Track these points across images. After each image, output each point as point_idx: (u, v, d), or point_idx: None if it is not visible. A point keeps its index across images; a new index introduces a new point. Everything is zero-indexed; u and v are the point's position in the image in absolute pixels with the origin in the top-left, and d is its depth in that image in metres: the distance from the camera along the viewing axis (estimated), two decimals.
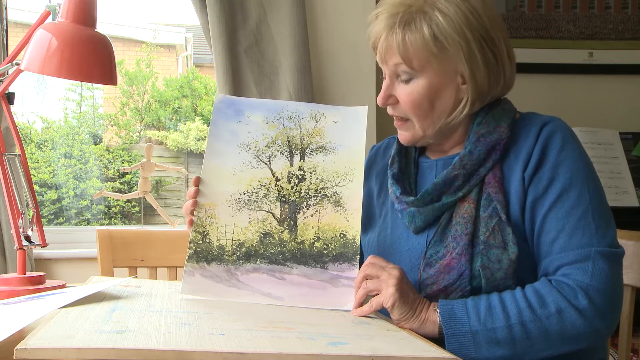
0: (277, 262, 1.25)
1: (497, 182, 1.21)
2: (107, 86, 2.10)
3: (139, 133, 3.96)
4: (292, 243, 1.25)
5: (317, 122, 1.31)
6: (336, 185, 1.27)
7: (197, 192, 1.26)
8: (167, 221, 2.73)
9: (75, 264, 2.44)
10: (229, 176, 1.27)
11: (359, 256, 1.23)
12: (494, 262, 1.16)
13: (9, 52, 1.47)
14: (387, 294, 1.13)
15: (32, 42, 1.33)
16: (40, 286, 1.37)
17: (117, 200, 3.53)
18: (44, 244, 1.43)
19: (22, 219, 1.41)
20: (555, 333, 1.11)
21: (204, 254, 1.24)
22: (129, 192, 3.18)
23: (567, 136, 1.22)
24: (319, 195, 1.27)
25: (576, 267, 1.14)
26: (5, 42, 2.30)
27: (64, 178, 3.51)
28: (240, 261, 1.25)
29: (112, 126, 3.95)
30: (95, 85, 3.68)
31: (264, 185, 1.27)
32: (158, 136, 3.92)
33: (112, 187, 3.64)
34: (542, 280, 1.16)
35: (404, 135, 1.31)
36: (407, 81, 1.24)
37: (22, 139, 1.51)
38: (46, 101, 3.62)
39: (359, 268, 1.20)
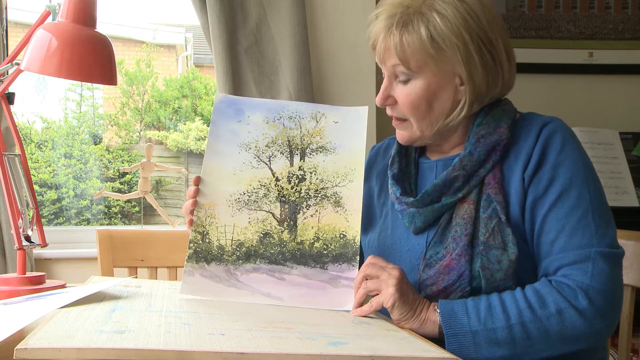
0: (276, 262, 1.24)
1: (497, 183, 1.21)
2: (107, 86, 2.10)
3: (139, 133, 3.96)
4: (292, 243, 1.25)
5: (317, 122, 1.31)
6: (336, 186, 1.27)
7: (197, 192, 1.26)
8: (167, 221, 2.74)
9: (75, 264, 2.44)
10: (229, 176, 1.27)
11: (358, 257, 1.23)
12: (494, 262, 1.16)
13: (9, 52, 1.47)
14: (387, 294, 1.13)
15: (32, 42, 1.33)
16: (40, 286, 1.37)
17: (117, 200, 3.53)
18: (44, 244, 1.43)
19: (22, 219, 1.41)
20: (555, 333, 1.11)
21: (204, 253, 1.24)
22: (129, 192, 3.18)
23: (567, 136, 1.22)
24: (319, 195, 1.27)
25: (576, 268, 1.14)
26: (5, 42, 2.30)
27: (64, 178, 3.51)
28: (240, 261, 1.25)
29: (112, 126, 3.95)
30: (95, 85, 3.68)
31: (264, 185, 1.27)
32: (158, 136, 3.92)
33: (112, 187, 3.64)
34: (542, 280, 1.16)
35: (401, 135, 1.31)
36: (405, 82, 1.24)
37: (22, 139, 1.51)
38: (46, 101, 3.62)
39: (359, 268, 1.20)
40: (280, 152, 1.29)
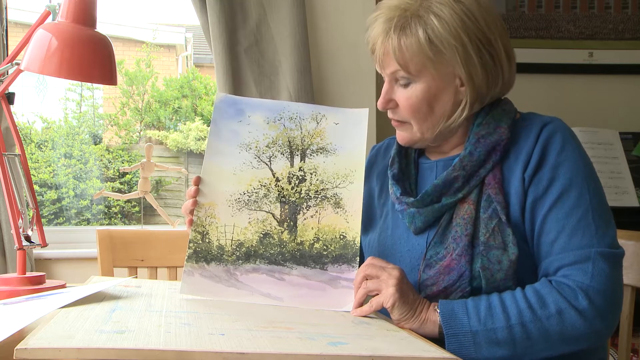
0: (276, 262, 1.25)
1: (497, 183, 1.21)
2: (107, 86, 2.10)
3: (139, 133, 3.96)
4: (292, 244, 1.25)
5: (317, 123, 1.31)
6: (336, 187, 1.27)
7: (198, 192, 1.26)
8: (167, 221, 2.74)
9: (75, 264, 2.44)
10: (230, 176, 1.27)
11: (358, 258, 1.23)
12: (494, 263, 1.16)
13: (9, 52, 1.47)
14: (387, 294, 1.13)
15: (32, 42, 1.33)
16: (40, 286, 1.37)
17: (117, 200, 3.53)
18: (44, 244, 1.43)
19: (22, 219, 1.41)
20: (556, 334, 1.11)
21: (204, 253, 1.24)
22: (129, 192, 3.18)
23: (567, 137, 1.22)
24: (319, 196, 1.27)
25: (576, 268, 1.14)
26: (5, 42, 2.30)
27: (64, 178, 3.51)
28: (240, 261, 1.25)
29: (112, 126, 3.95)
30: (95, 85, 3.68)
31: (264, 186, 1.27)
32: (158, 136, 3.92)
33: (112, 187, 3.64)
34: (542, 280, 1.16)
35: (401, 136, 1.31)
36: (405, 85, 1.24)
37: (22, 139, 1.51)
38: (46, 101, 3.62)
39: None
40: (281, 153, 1.29)
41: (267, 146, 1.29)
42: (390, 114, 1.29)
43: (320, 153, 1.29)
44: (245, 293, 1.23)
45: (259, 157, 1.29)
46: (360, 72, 2.44)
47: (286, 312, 1.15)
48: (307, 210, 1.26)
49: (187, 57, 4.53)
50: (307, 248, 1.25)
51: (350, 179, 1.27)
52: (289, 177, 1.28)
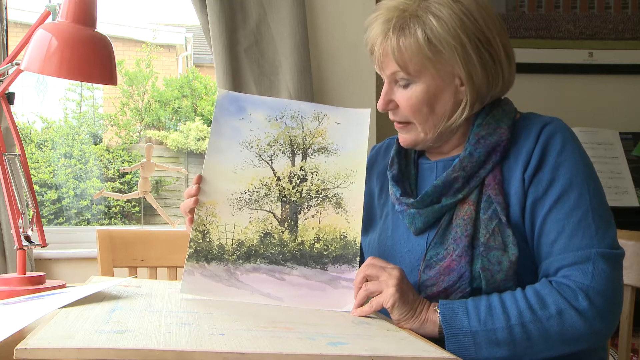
0: (277, 262, 1.24)
1: (497, 184, 1.21)
2: (107, 86, 2.10)
3: (139, 133, 3.96)
4: (293, 243, 1.25)
5: (319, 122, 1.30)
6: (337, 187, 1.27)
7: (199, 190, 1.26)
8: (167, 221, 2.73)
9: (75, 264, 2.44)
10: (230, 174, 1.27)
11: (358, 258, 1.23)
12: (494, 263, 1.16)
13: (9, 52, 1.47)
14: (387, 294, 1.13)
15: (32, 42, 1.33)
16: (40, 286, 1.37)
17: (117, 200, 3.53)
18: (44, 244, 1.43)
19: (22, 219, 1.41)
20: (556, 334, 1.11)
21: (204, 253, 1.24)
22: (129, 192, 3.18)
23: (567, 137, 1.22)
24: (320, 196, 1.27)
25: (576, 269, 1.14)
26: (5, 42, 2.30)
27: (64, 178, 3.51)
28: (240, 261, 1.24)
29: (112, 126, 3.94)
30: (95, 85, 3.68)
31: (265, 185, 1.27)
32: (158, 136, 3.91)
33: (112, 187, 3.64)
34: (542, 281, 1.16)
35: (404, 138, 1.30)
36: (405, 86, 1.24)
37: (22, 139, 1.51)
38: (46, 101, 3.62)
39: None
40: (282, 152, 1.29)
41: (268, 145, 1.29)
42: (391, 116, 1.29)
43: (322, 152, 1.29)
44: (246, 293, 1.22)
45: (260, 156, 1.28)
46: (360, 72, 2.44)
47: (286, 312, 1.15)
48: (308, 210, 1.26)
49: (187, 57, 4.53)
50: (307, 248, 1.25)
51: (351, 179, 1.27)
52: (290, 176, 1.28)
